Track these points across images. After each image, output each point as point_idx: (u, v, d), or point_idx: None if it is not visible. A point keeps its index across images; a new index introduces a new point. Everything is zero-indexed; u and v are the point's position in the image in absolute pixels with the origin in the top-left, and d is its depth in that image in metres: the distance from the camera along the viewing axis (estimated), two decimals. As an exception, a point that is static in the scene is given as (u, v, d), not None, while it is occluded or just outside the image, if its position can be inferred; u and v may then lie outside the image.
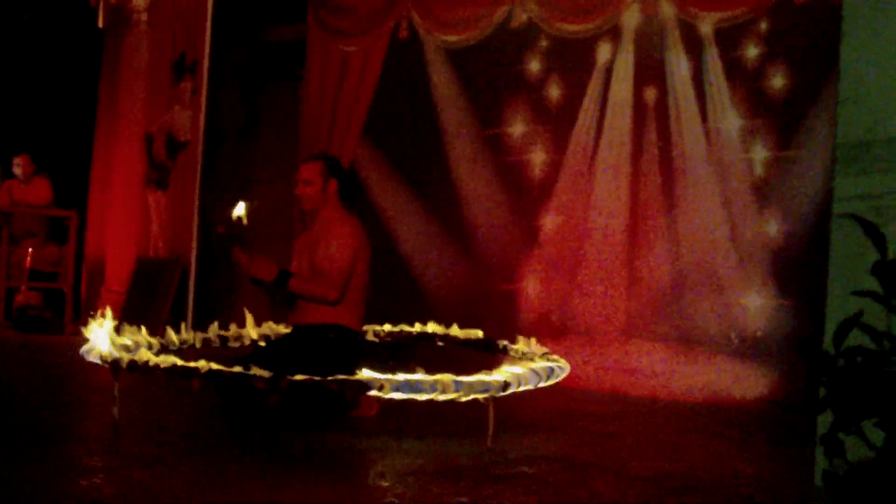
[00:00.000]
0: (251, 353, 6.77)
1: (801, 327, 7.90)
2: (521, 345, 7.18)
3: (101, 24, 13.30)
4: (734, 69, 8.68)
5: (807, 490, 2.87)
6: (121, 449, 5.76)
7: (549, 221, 9.73)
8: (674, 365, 8.74)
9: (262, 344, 7.20)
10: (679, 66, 8.94)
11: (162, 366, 5.93)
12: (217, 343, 7.25)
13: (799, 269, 8.11)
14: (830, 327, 2.54)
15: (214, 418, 6.57)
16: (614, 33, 9.34)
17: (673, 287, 8.90)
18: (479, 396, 5.87)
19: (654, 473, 5.54)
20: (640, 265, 9.14)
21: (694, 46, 8.87)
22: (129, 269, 12.41)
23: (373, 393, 5.82)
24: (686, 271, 8.83)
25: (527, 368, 6.30)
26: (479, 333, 7.56)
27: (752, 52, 8.60)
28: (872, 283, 2.48)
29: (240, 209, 6.91)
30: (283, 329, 7.36)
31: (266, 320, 7.56)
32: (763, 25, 8.54)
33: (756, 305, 8.44)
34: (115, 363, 6.02)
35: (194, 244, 11.57)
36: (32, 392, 7.84)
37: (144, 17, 12.89)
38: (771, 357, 8.26)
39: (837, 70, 3.22)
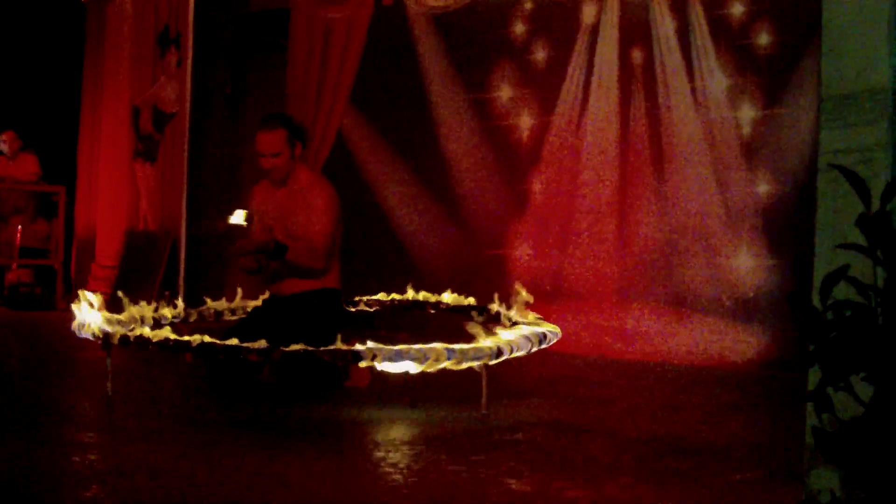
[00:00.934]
0: (238, 325, 6.74)
1: (792, 287, 7.88)
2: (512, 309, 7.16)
3: (83, -2, 13.25)
4: (720, 28, 8.64)
5: (800, 449, 2.86)
6: (114, 423, 5.76)
7: (538, 185, 9.71)
8: (666, 328, 8.73)
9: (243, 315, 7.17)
10: (664, 26, 8.90)
11: (154, 340, 5.91)
12: (211, 316, 7.24)
13: (790, 228, 8.09)
14: (818, 282, 2.53)
15: (207, 391, 6.56)
16: (599, -6, 9.31)
17: (664, 249, 8.89)
18: (472, 364, 5.86)
19: (648, 436, 5.55)
20: (631, 228, 9.12)
21: (679, 5, 8.83)
22: (120, 243, 12.38)
23: (365, 363, 5.81)
24: (677, 233, 8.82)
25: (519, 334, 6.28)
26: (471, 300, 7.54)
27: (737, 9, 8.55)
28: (859, 237, 2.46)
29: (237, 217, 6.85)
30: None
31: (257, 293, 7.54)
32: (747, -18, 8.51)
33: (747, 266, 8.43)
34: (107, 338, 6.00)
35: (184, 216, 11.54)
36: (25, 369, 7.83)
37: (127, -11, 12.83)
38: (763, 318, 8.25)
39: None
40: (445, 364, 5.75)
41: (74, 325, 6.39)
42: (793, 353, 7.60)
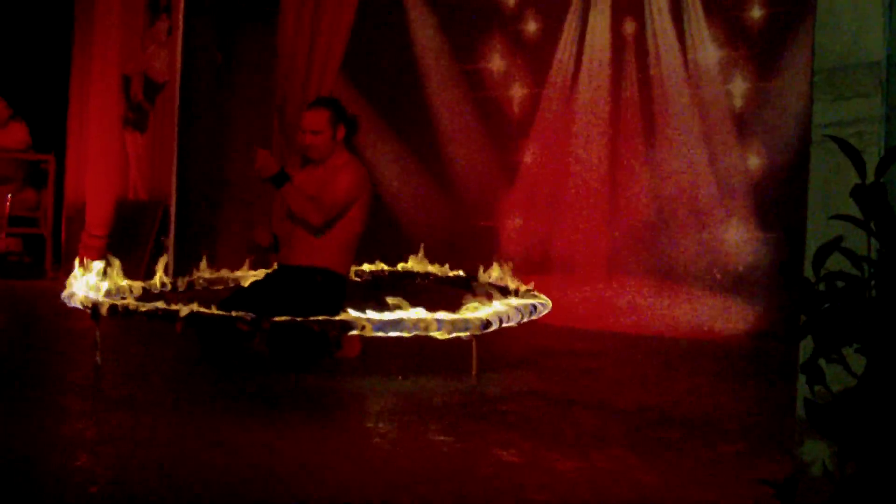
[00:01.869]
0: (233, 294, 6.74)
1: (784, 259, 7.88)
2: (495, 273, 7.16)
3: (73, -35, 13.18)
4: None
5: (790, 422, 2.86)
6: (103, 393, 5.75)
7: (529, 156, 9.70)
8: (656, 300, 8.74)
9: (244, 285, 7.17)
10: (657, -3, 8.89)
11: (142, 309, 5.90)
12: (201, 285, 7.23)
13: (781, 201, 8.10)
14: (811, 253, 2.52)
15: (197, 361, 6.55)
16: (591, -36, 9.28)
17: (654, 222, 8.89)
18: (462, 334, 5.86)
19: (637, 407, 5.55)
20: (622, 200, 9.12)
21: (672, -24, 8.81)
22: (110, 212, 12.35)
23: (355, 332, 5.81)
24: (668, 205, 8.81)
25: (508, 305, 6.28)
26: (460, 272, 7.55)
27: (730, -19, 8.54)
28: (852, 208, 2.45)
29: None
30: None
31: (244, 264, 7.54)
32: (740, -46, 8.48)
33: (738, 239, 8.43)
34: (96, 308, 5.99)
35: (174, 185, 11.50)
36: (14, 337, 7.81)
37: (117, -44, 12.76)
38: (753, 290, 8.26)
39: (815, -3, 3.19)
40: (435, 334, 5.75)
41: (64, 294, 6.38)
42: (783, 326, 7.60)
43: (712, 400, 5.91)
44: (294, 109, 10.64)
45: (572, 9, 9.40)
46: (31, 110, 13.03)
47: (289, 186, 6.61)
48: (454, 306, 6.11)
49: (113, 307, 5.96)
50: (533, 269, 9.23)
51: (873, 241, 2.40)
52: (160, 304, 5.95)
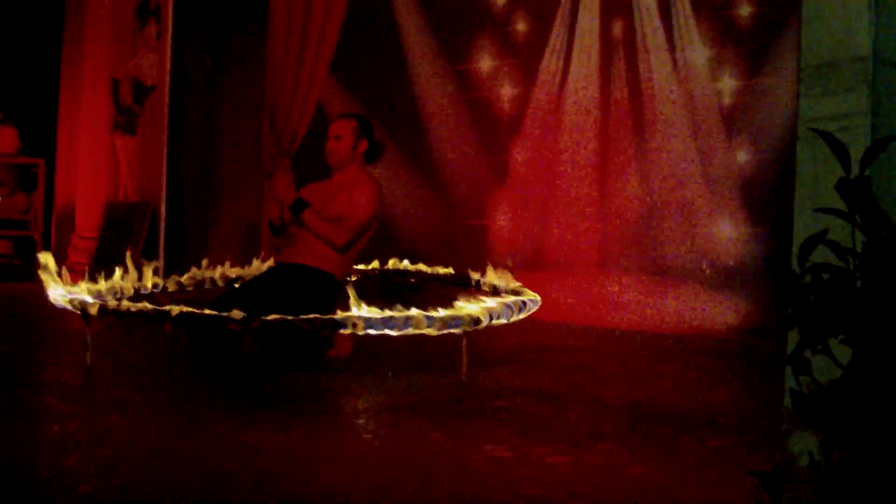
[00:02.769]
0: (227, 293, 6.75)
1: (772, 254, 7.91)
2: (492, 277, 7.18)
3: (62, -31, 13.19)
4: (701, -2, 8.65)
5: (778, 415, 2.87)
6: (94, 394, 5.74)
7: (519, 155, 9.72)
8: (646, 296, 8.76)
9: (237, 285, 7.17)
10: (646, -4, 8.91)
11: (133, 310, 5.91)
12: (191, 286, 7.22)
13: (770, 197, 8.13)
14: (797, 246, 2.54)
15: (187, 362, 6.56)
16: (580, -36, 9.30)
17: (645, 218, 8.91)
18: (452, 331, 5.87)
19: (628, 403, 5.57)
20: (612, 197, 9.14)
21: (660, -25, 8.84)
22: (100, 214, 12.36)
23: (346, 331, 5.82)
24: (658, 202, 8.84)
25: (499, 302, 6.30)
26: (450, 270, 7.57)
27: (718, -21, 8.56)
28: (838, 202, 2.47)
29: None
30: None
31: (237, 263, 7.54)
32: (728, -48, 8.51)
33: (728, 235, 8.45)
34: (86, 308, 5.99)
35: (164, 188, 11.51)
36: (4, 340, 7.81)
37: (106, -40, 12.76)
38: (743, 286, 8.28)
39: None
40: (425, 331, 5.77)
41: (52, 296, 6.38)
42: (772, 321, 7.62)
43: (703, 395, 5.92)
44: (284, 112, 10.64)
45: (561, 9, 9.42)
46: (21, 114, 13.04)
47: (309, 212, 6.69)
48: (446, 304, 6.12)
49: (103, 308, 5.96)
50: (524, 267, 9.26)
51: (858, 233, 2.41)
52: (150, 305, 5.96)
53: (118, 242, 11.62)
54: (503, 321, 6.15)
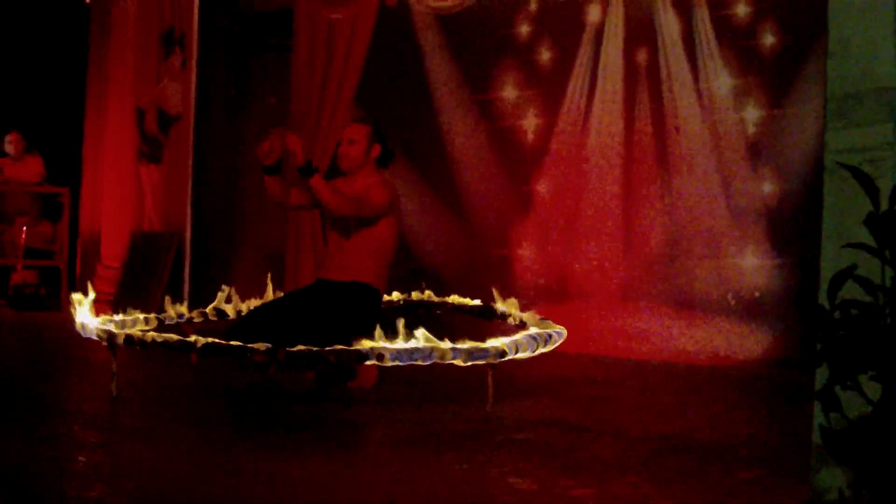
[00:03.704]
0: (268, 305, 6.79)
1: (799, 286, 7.89)
2: (500, 304, 7.15)
3: (87, -1, 13.28)
4: (725, 28, 8.64)
5: (805, 449, 2.86)
6: (119, 424, 5.76)
7: (543, 185, 9.71)
8: (671, 327, 8.73)
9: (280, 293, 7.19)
10: (669, 26, 8.90)
11: (158, 340, 5.92)
12: (215, 317, 7.22)
13: (795, 227, 8.09)
14: (825, 281, 2.53)
15: (212, 392, 6.57)
16: (603, -6, 9.31)
17: (669, 249, 8.89)
18: (477, 363, 5.86)
19: (654, 435, 5.54)
20: (636, 228, 9.12)
21: (684, 6, 8.83)
22: (124, 244, 12.39)
23: (370, 362, 5.81)
24: (682, 233, 8.81)
25: (524, 334, 6.28)
26: (477, 301, 7.55)
27: (742, 10, 8.55)
28: (866, 236, 2.46)
29: None
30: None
31: (259, 294, 7.53)
32: (752, -18, 8.51)
33: (753, 265, 8.42)
34: (112, 339, 6.01)
35: (189, 217, 11.54)
36: (30, 369, 7.83)
37: (131, -10, 12.83)
38: (769, 317, 8.25)
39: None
40: (450, 362, 5.75)
41: (77, 325, 6.40)
42: (798, 353, 7.58)
43: (728, 427, 5.90)
44: (307, 139, 10.66)
45: (585, 39, 9.42)
46: (47, 143, 13.11)
47: (318, 178, 6.64)
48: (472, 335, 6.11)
49: (129, 338, 5.98)
50: (548, 298, 9.24)
51: (887, 269, 2.40)
52: (176, 336, 5.97)
53: (143, 272, 11.65)
54: (528, 353, 6.13)
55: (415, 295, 7.69)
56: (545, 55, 9.73)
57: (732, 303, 8.46)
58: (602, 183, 9.28)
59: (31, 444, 5.01)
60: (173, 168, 12.00)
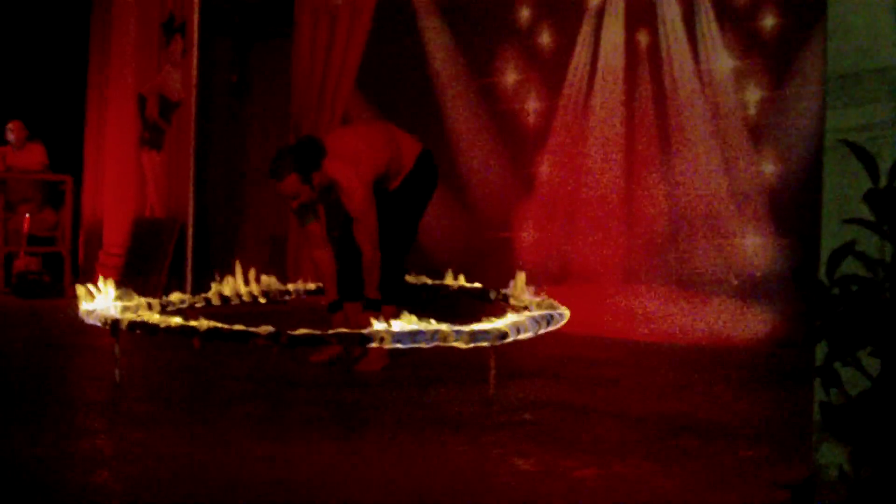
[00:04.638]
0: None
1: (797, 265, 7.89)
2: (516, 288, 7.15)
3: (88, -13, 13.26)
4: (725, 9, 8.63)
5: (807, 427, 2.86)
6: (122, 410, 5.76)
7: (544, 168, 9.71)
8: (673, 308, 8.73)
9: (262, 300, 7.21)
10: (670, 8, 8.89)
11: (161, 325, 5.92)
12: (218, 302, 7.23)
13: (796, 208, 8.09)
14: (825, 257, 2.53)
15: (215, 377, 6.58)
16: (604, -24, 9.30)
17: (671, 230, 8.88)
18: (480, 345, 5.86)
19: (656, 416, 5.55)
20: (638, 209, 9.12)
21: (685, -13, 8.83)
22: (127, 230, 12.41)
23: (374, 344, 5.82)
24: (684, 214, 8.81)
25: (526, 316, 6.28)
26: (477, 284, 7.55)
27: (742, -10, 8.55)
28: (866, 213, 2.46)
29: None
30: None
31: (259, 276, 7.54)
32: (752, -37, 8.49)
33: (755, 246, 8.42)
34: (115, 324, 6.02)
35: (191, 203, 11.54)
36: (33, 356, 7.84)
37: (132, -22, 12.83)
38: (771, 297, 8.25)
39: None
40: (453, 344, 5.75)
41: (82, 311, 6.41)
42: (800, 333, 7.58)
43: (731, 406, 5.91)
44: (310, 126, 10.68)
45: (586, 21, 9.41)
46: (49, 131, 13.10)
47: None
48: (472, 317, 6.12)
49: (132, 323, 5.98)
50: (550, 280, 9.24)
51: (887, 244, 2.41)
52: (179, 320, 5.98)
53: (145, 259, 11.66)
54: (530, 335, 6.13)
55: (417, 278, 7.69)
56: (546, 38, 9.72)
57: (734, 283, 8.46)
58: (603, 165, 9.27)
59: (34, 430, 5.02)
60: (175, 154, 12.00)
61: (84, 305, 6.41)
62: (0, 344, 8.34)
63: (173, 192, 11.93)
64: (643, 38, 9.11)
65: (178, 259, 11.41)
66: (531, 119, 9.82)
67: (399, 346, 5.76)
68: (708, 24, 8.69)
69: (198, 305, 7.08)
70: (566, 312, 6.60)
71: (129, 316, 6.13)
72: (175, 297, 7.01)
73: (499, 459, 4.50)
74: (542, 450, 4.67)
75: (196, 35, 11.73)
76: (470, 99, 10.25)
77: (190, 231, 11.48)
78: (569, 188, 9.54)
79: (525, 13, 9.83)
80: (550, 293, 7.25)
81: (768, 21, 8.42)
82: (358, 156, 6.84)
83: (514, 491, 4.01)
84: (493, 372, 5.94)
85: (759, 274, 8.36)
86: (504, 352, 6.06)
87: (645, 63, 9.09)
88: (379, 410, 5.81)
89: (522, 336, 6.04)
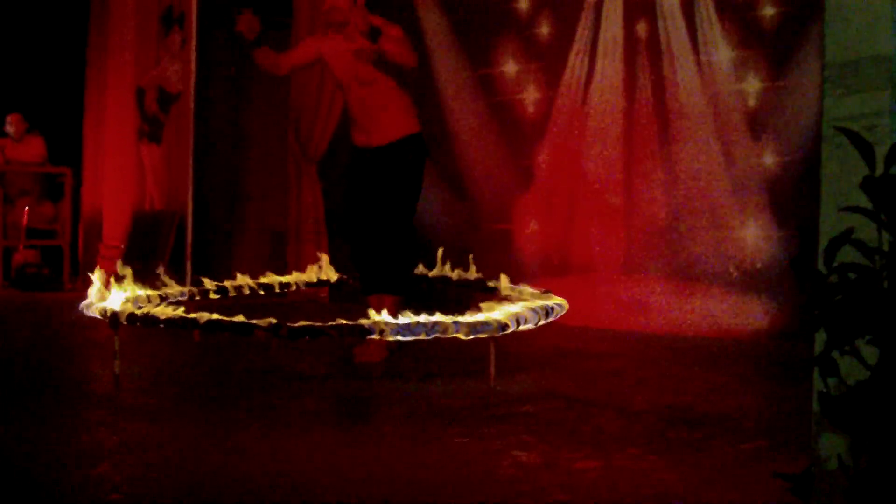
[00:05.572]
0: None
1: (795, 254, 7.88)
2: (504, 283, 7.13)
3: (86, -21, 13.26)
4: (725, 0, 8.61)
5: (807, 418, 2.86)
6: (122, 402, 5.76)
7: (544, 159, 9.70)
8: (674, 299, 8.73)
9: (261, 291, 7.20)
10: (669, -1, 8.88)
11: (161, 317, 5.92)
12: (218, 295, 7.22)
13: (797, 198, 8.08)
14: (823, 246, 2.52)
15: (214, 369, 6.58)
16: (603, -33, 9.28)
17: (671, 222, 8.87)
18: (479, 336, 5.86)
19: (657, 408, 5.55)
20: (637, 201, 9.11)
21: (684, -22, 8.81)
22: (126, 223, 12.41)
23: (373, 336, 5.81)
24: (683, 205, 8.80)
25: (525, 307, 6.28)
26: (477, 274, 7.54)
27: (741, -19, 8.54)
28: (864, 201, 2.46)
29: None
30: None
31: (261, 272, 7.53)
32: (751, -47, 8.48)
33: (754, 237, 8.41)
34: (115, 316, 6.01)
35: (190, 196, 11.54)
36: (33, 349, 7.85)
37: (130, -30, 12.82)
38: (770, 288, 8.24)
39: (825, -7, 3.19)
40: (452, 336, 5.75)
41: (82, 304, 6.40)
42: (800, 324, 7.58)
43: (732, 398, 5.91)
44: (308, 120, 10.67)
45: (585, 12, 9.39)
46: (48, 124, 13.11)
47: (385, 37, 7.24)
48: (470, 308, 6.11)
49: (131, 315, 5.97)
50: (549, 271, 9.24)
51: (884, 232, 2.40)
52: (178, 312, 5.97)
53: (145, 251, 11.66)
54: (530, 326, 6.13)
55: (417, 270, 7.68)
56: (545, 29, 9.70)
57: (734, 274, 8.45)
58: (603, 155, 9.26)
59: (35, 422, 5.03)
60: (174, 147, 12.00)
61: (92, 298, 6.39)
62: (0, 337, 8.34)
63: (172, 184, 11.93)
64: (642, 29, 9.09)
65: (178, 251, 11.41)
66: (530, 110, 9.80)
67: (399, 338, 5.76)
68: (707, 14, 8.67)
69: (197, 297, 7.08)
70: (566, 304, 6.59)
71: (129, 308, 6.12)
72: (174, 289, 7.00)
73: (500, 450, 4.50)
74: (543, 442, 4.67)
75: (195, 27, 11.72)
76: (469, 90, 10.23)
77: (189, 223, 11.48)
78: (568, 179, 9.53)
79: (524, 4, 9.81)
80: (550, 284, 7.26)
81: (768, 11, 8.40)
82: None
83: (514, 483, 4.01)
84: (493, 363, 5.94)
85: (759, 265, 8.35)
86: (504, 343, 6.06)
87: (644, 54, 9.07)
88: (379, 403, 5.81)
89: (523, 327, 6.04)
